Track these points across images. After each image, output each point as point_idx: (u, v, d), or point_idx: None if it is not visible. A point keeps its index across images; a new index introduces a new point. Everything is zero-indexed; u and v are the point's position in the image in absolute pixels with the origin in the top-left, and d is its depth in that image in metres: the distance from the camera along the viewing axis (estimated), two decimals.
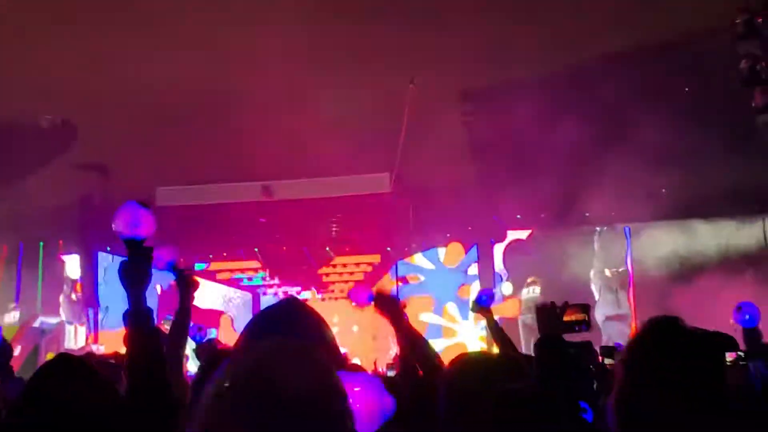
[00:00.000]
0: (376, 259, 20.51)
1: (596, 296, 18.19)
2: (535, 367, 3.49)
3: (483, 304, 6.15)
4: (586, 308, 4.51)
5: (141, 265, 2.71)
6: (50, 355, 15.69)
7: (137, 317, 2.65)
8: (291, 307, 2.36)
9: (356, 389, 1.87)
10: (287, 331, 2.09)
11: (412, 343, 4.09)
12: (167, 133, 16.88)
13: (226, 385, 1.40)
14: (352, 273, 20.45)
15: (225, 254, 19.86)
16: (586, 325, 4.44)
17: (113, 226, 2.74)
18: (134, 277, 2.67)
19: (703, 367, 1.99)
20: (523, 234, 19.47)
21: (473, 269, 19.56)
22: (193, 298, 4.36)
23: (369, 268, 20.47)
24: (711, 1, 15.26)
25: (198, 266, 18.68)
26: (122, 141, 17.09)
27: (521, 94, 15.97)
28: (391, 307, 4.16)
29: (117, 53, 15.73)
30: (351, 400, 1.68)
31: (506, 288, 18.67)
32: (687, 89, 17.07)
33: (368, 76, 16.33)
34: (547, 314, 3.78)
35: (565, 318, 4.13)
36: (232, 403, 1.36)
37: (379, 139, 17.71)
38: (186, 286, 4.25)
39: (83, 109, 17.07)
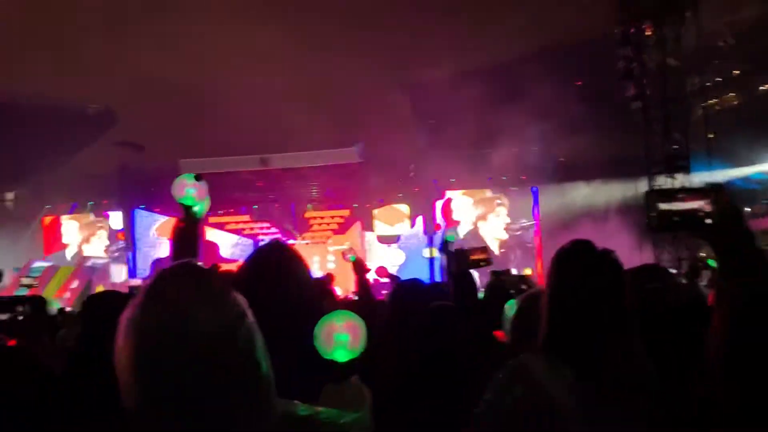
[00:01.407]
0: (346, 213, 23.11)
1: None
2: (453, 294, 4.12)
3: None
4: (486, 249, 5.19)
5: (191, 225, 2.68)
6: (99, 288, 19.09)
7: None
8: (276, 249, 2.49)
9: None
10: (274, 272, 2.28)
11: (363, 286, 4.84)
12: (188, 116, 19.74)
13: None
14: (328, 224, 23.13)
15: (231, 210, 22.56)
16: (487, 261, 5.09)
17: (172, 190, 2.70)
18: (184, 236, 2.65)
19: (610, 278, 2.14)
20: (456, 193, 22.10)
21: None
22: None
23: (341, 220, 23.08)
24: (597, 15, 18.61)
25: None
26: (151, 122, 20.01)
27: (455, 83, 18.84)
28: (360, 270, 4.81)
29: (146, 53, 18.91)
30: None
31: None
32: (580, 82, 20.44)
33: (342, 72, 19.59)
34: (458, 256, 4.43)
35: (472, 257, 4.78)
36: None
37: (349, 120, 20.67)
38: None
39: (121, 98, 20.35)
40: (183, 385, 1.36)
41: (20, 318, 3.57)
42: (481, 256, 5.04)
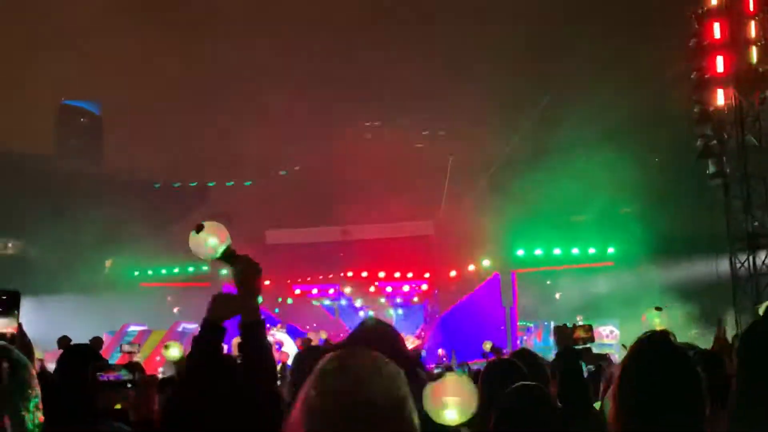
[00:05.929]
0: (424, 281, 23.21)
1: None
2: (554, 368, 4.12)
3: None
4: (590, 328, 5.08)
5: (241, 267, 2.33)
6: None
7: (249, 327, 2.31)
8: (377, 325, 2.51)
9: None
10: (377, 345, 1.89)
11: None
12: (275, 192, 20.66)
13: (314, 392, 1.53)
14: (407, 291, 23.44)
15: (309, 279, 22.50)
16: (591, 339, 5.04)
17: (198, 255, 2.40)
18: (245, 281, 2.32)
19: (680, 371, 2.11)
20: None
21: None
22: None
23: (421, 288, 23.37)
24: (670, 96, 19.13)
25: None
26: (240, 196, 20.86)
27: (530, 160, 19.63)
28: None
29: (233, 135, 20.27)
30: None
31: None
32: (657, 159, 20.57)
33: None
34: (562, 332, 4.40)
35: (575, 336, 4.69)
36: (323, 408, 1.51)
37: (425, 195, 21.47)
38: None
39: (212, 173, 21.44)
40: None
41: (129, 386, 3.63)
42: (585, 334, 4.98)
